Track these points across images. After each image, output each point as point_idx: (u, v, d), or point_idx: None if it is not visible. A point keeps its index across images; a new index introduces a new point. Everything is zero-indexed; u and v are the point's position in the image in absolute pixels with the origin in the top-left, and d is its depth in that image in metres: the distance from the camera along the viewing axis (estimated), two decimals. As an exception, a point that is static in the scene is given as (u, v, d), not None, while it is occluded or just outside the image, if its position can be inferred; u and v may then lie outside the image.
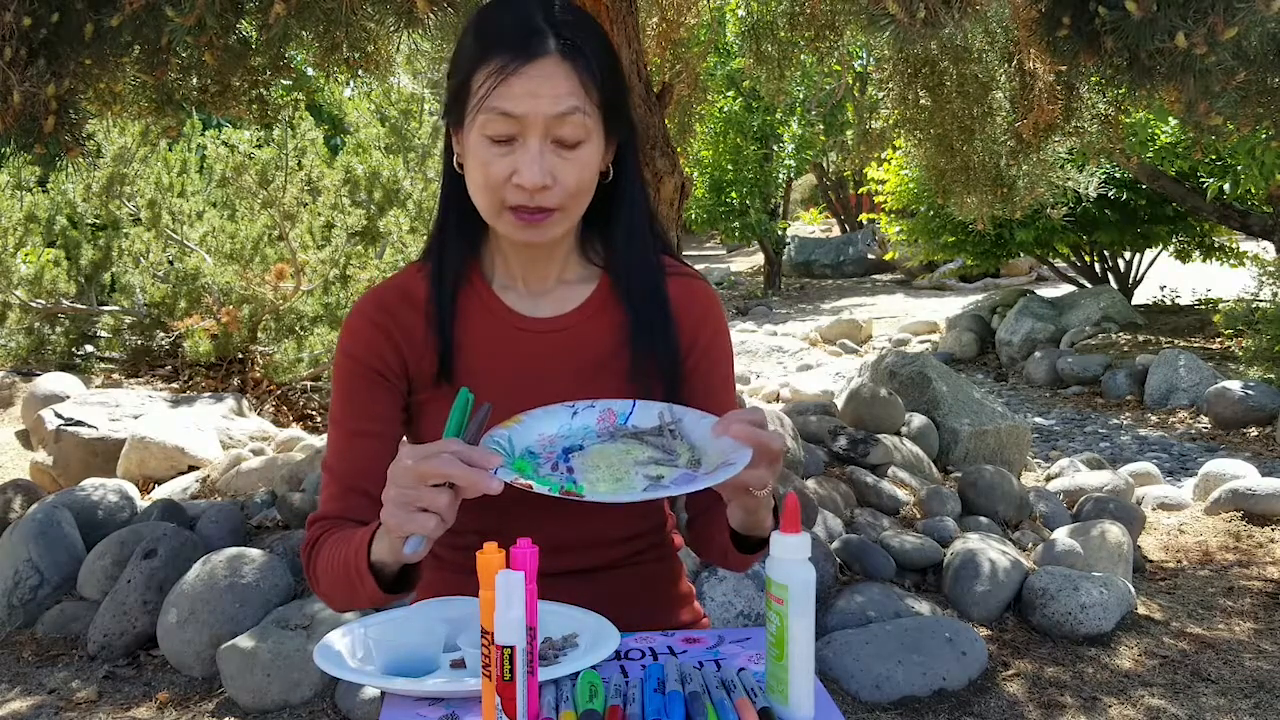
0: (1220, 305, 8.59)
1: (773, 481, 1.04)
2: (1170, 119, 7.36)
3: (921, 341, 10.72)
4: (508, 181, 1.09)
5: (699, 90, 5.12)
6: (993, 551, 3.52)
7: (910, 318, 11.92)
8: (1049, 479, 5.07)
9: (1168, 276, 10.87)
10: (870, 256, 16.92)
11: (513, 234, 1.14)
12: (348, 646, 1.05)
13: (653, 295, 1.23)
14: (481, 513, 1.20)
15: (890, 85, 4.48)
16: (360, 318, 1.22)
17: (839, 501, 3.79)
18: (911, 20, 1.65)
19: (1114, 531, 3.87)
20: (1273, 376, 6.69)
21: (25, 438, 5.86)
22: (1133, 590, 3.57)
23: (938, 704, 2.90)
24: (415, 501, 0.94)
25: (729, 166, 14.55)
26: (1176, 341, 8.41)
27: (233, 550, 3.33)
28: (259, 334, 6.15)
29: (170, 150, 7.51)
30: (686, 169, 4.08)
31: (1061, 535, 3.87)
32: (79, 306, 6.89)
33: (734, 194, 14.60)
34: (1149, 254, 10.69)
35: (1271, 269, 7.62)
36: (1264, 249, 9.59)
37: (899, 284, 15.76)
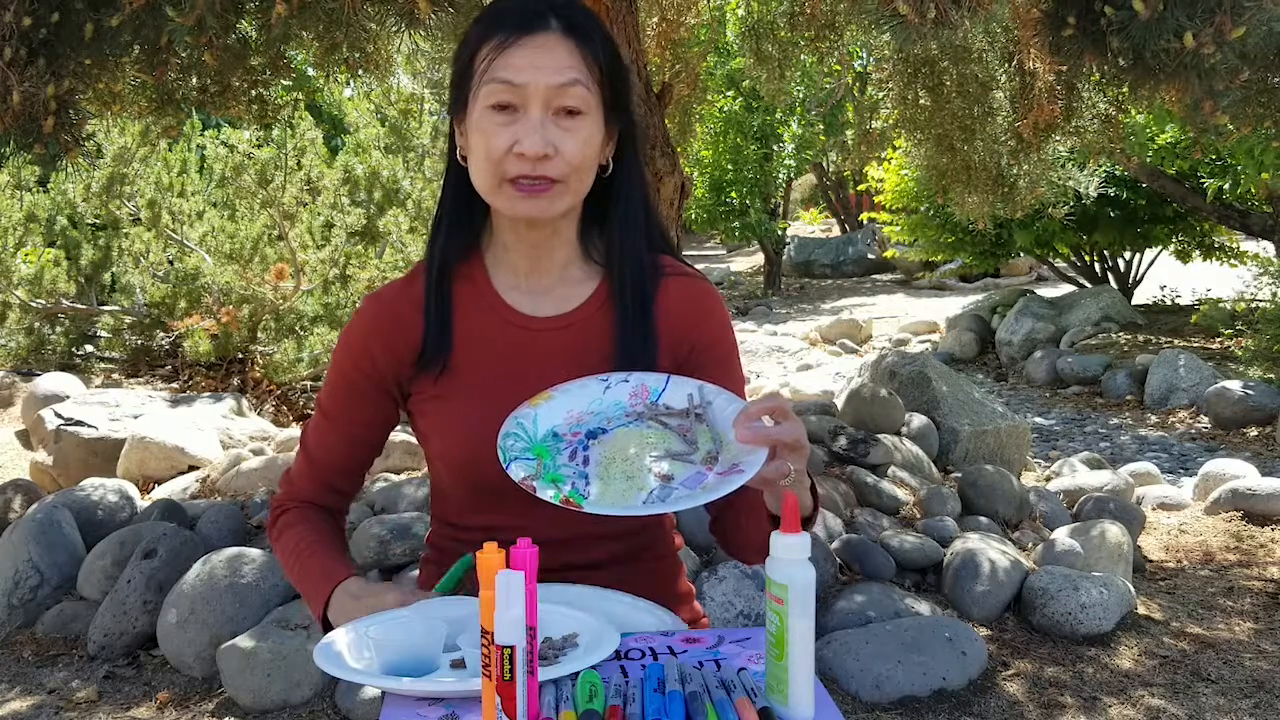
0: (1200, 305, 8.59)
1: (801, 464, 1.04)
2: (1170, 119, 7.36)
3: (921, 341, 10.72)
4: (509, 152, 1.10)
5: (699, 90, 5.11)
6: (993, 551, 3.51)
7: (910, 318, 11.91)
8: (1049, 479, 5.07)
9: (1168, 276, 10.87)
10: (870, 256, 16.91)
11: (513, 208, 1.14)
12: (348, 646, 1.05)
13: (640, 299, 1.23)
14: (484, 508, 1.20)
15: (890, 85, 4.48)
16: (362, 320, 1.25)
17: (839, 501, 3.79)
18: (922, 20, 1.65)
19: (1114, 531, 3.86)
20: (1273, 376, 6.69)
21: (25, 438, 5.86)
22: (1133, 590, 3.57)
23: (938, 704, 2.90)
24: None
25: (729, 166, 14.54)
26: (1176, 341, 8.41)
27: (233, 550, 3.33)
28: (259, 334, 6.14)
29: (170, 150, 7.50)
30: (686, 169, 4.08)
31: (1061, 535, 3.87)
32: (79, 306, 6.89)
33: (734, 194, 14.59)
34: (1149, 254, 10.69)
35: (1272, 268, 7.61)
36: (1264, 249, 9.59)
37: (899, 284, 15.75)
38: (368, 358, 1.23)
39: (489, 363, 1.21)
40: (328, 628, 1.19)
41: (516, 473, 1.02)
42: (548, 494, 0.99)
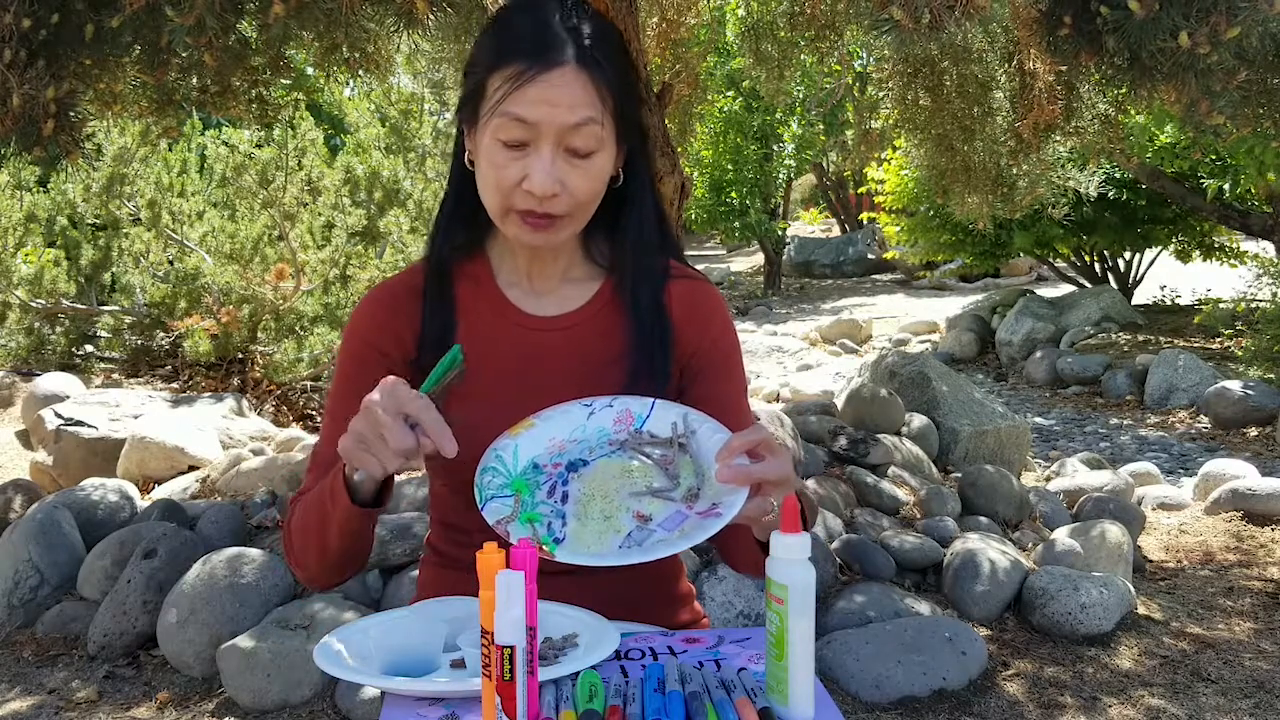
0: (1205, 305, 8.59)
1: (785, 496, 1.03)
2: (1169, 120, 7.36)
3: (921, 341, 10.72)
4: (518, 186, 1.10)
5: (699, 90, 5.11)
6: (993, 551, 3.52)
7: (910, 318, 11.92)
8: (1049, 479, 5.07)
9: (1168, 276, 10.88)
10: (870, 256, 16.92)
11: (519, 237, 1.15)
12: (348, 646, 1.05)
13: (654, 303, 1.23)
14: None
15: (890, 85, 4.47)
16: (367, 307, 1.25)
17: (839, 501, 3.79)
18: (916, 25, 1.65)
19: (1114, 531, 3.87)
20: (1273, 376, 6.69)
21: (25, 438, 5.86)
22: (1133, 590, 3.57)
23: (938, 704, 2.90)
24: (368, 444, 0.99)
25: (729, 166, 14.55)
26: (1176, 341, 8.41)
27: (233, 550, 3.33)
28: (259, 334, 6.14)
29: (170, 150, 7.51)
30: (686, 169, 4.08)
31: (1061, 535, 3.87)
32: (79, 306, 6.89)
33: (734, 194, 14.59)
34: (1149, 254, 10.70)
35: (1272, 269, 7.62)
36: (1264, 249, 9.59)
37: (899, 284, 15.76)
38: (374, 350, 1.22)
39: (492, 363, 1.21)
40: (348, 488, 1.08)
41: (490, 515, 1.00)
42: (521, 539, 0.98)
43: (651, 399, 1.11)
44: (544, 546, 0.98)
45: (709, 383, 1.25)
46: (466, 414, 1.19)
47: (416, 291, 1.23)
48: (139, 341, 6.84)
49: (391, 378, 1.01)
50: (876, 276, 16.80)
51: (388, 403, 0.98)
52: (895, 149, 8.02)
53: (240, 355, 6.28)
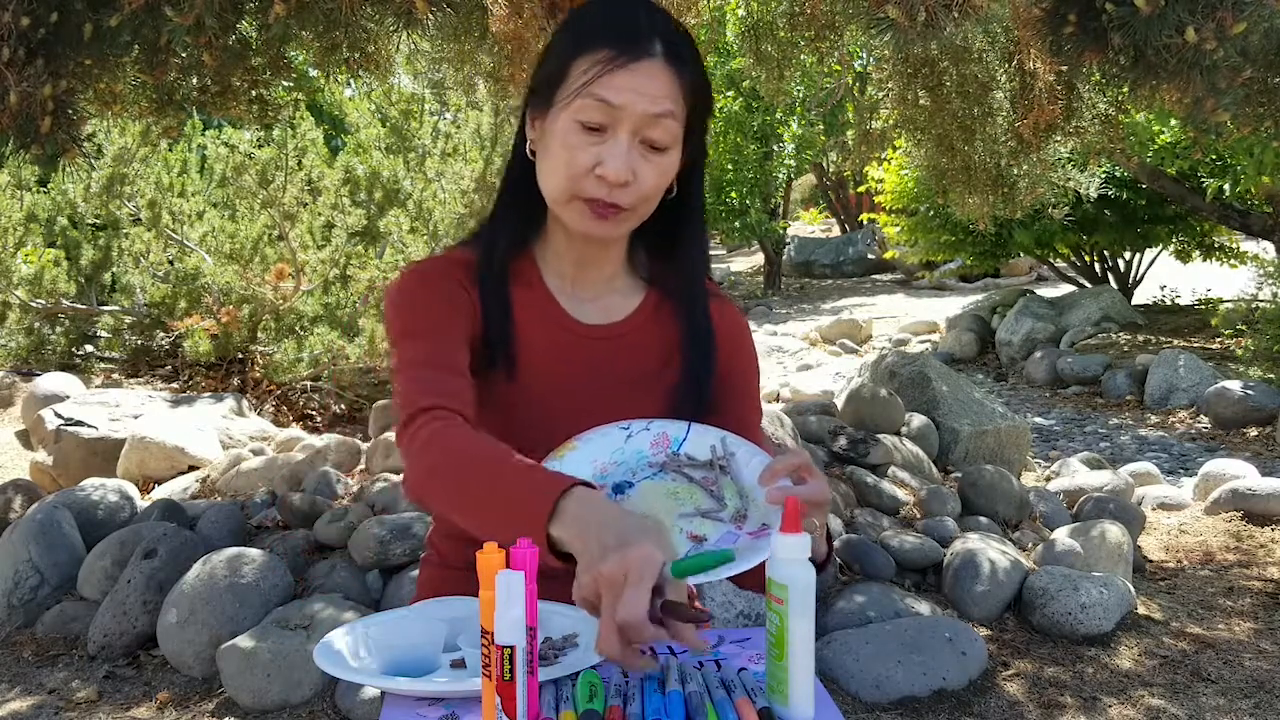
0: (1220, 307, 8.59)
1: (824, 517, 1.05)
2: (1170, 120, 7.36)
3: (921, 341, 10.72)
4: (590, 172, 1.10)
5: (699, 90, 5.09)
6: (993, 551, 3.51)
7: (910, 318, 11.91)
8: (1049, 479, 5.07)
9: (1168, 276, 10.88)
10: (870, 256, 16.92)
11: (579, 224, 1.14)
12: (348, 646, 1.05)
13: (706, 321, 1.24)
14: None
15: (890, 85, 4.47)
16: (430, 266, 1.19)
17: (839, 501, 3.78)
18: (912, 23, 1.65)
19: (1114, 531, 3.86)
20: (1273, 376, 6.69)
21: (25, 438, 5.86)
22: (1133, 590, 3.57)
23: (938, 704, 2.90)
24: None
25: (729, 166, 14.55)
26: (1176, 341, 8.41)
27: (233, 550, 3.33)
28: (259, 334, 6.14)
29: (170, 150, 7.51)
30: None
31: (1061, 535, 3.87)
32: (79, 306, 6.89)
33: (734, 194, 14.59)
34: (1149, 254, 10.69)
35: (1271, 269, 7.62)
36: (1264, 249, 9.59)
37: (899, 284, 15.75)
38: (456, 289, 1.16)
39: (545, 365, 1.19)
40: (548, 542, 0.92)
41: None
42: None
43: (687, 422, 1.12)
44: None
45: (729, 403, 1.25)
46: (519, 420, 1.18)
47: (470, 266, 1.19)
48: (139, 341, 6.84)
49: (641, 582, 0.84)
50: (876, 276, 16.79)
51: (638, 619, 0.85)
52: (895, 149, 8.02)
53: (240, 355, 6.28)
